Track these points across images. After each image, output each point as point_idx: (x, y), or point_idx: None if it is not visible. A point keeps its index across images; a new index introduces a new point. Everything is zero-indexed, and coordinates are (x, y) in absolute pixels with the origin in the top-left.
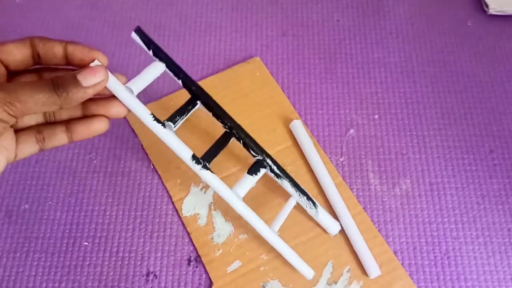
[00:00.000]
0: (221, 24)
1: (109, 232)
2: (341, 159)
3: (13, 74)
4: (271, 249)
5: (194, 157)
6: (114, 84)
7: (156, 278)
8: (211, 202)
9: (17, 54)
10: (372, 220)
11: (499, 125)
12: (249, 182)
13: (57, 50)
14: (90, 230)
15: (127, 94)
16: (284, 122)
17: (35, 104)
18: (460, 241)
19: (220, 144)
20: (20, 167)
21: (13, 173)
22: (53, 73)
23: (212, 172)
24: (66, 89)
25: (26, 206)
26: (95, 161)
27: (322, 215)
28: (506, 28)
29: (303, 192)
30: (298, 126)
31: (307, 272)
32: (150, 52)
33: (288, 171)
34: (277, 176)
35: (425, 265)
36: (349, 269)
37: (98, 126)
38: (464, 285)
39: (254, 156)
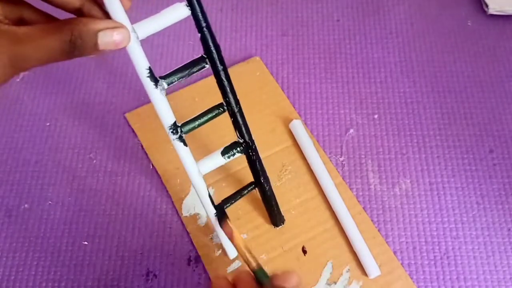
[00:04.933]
0: (221, 24)
1: (109, 232)
2: (341, 159)
3: None
4: (271, 249)
5: (174, 125)
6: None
7: (156, 278)
8: None
9: None
10: (372, 220)
11: (499, 125)
12: (217, 161)
13: None
14: (90, 230)
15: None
16: (284, 122)
17: (40, 61)
18: (459, 240)
19: (207, 114)
20: (20, 167)
21: (13, 173)
22: None
23: (185, 144)
24: (80, 48)
25: (26, 205)
26: (95, 161)
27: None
28: (506, 28)
29: (266, 179)
30: (297, 126)
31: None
32: None
33: (288, 171)
34: (251, 161)
35: (424, 264)
36: (348, 269)
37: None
38: (463, 284)
39: (238, 138)
